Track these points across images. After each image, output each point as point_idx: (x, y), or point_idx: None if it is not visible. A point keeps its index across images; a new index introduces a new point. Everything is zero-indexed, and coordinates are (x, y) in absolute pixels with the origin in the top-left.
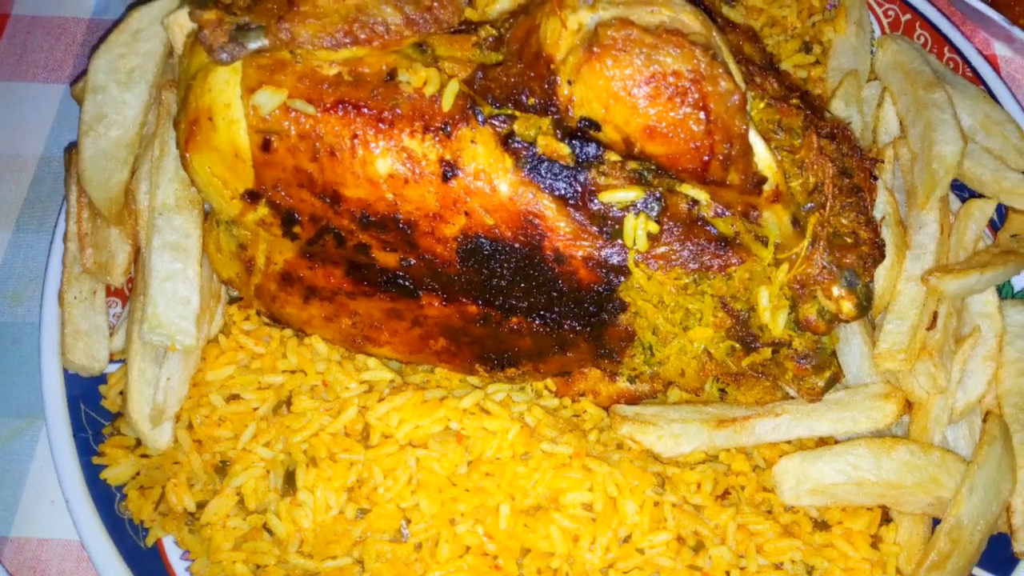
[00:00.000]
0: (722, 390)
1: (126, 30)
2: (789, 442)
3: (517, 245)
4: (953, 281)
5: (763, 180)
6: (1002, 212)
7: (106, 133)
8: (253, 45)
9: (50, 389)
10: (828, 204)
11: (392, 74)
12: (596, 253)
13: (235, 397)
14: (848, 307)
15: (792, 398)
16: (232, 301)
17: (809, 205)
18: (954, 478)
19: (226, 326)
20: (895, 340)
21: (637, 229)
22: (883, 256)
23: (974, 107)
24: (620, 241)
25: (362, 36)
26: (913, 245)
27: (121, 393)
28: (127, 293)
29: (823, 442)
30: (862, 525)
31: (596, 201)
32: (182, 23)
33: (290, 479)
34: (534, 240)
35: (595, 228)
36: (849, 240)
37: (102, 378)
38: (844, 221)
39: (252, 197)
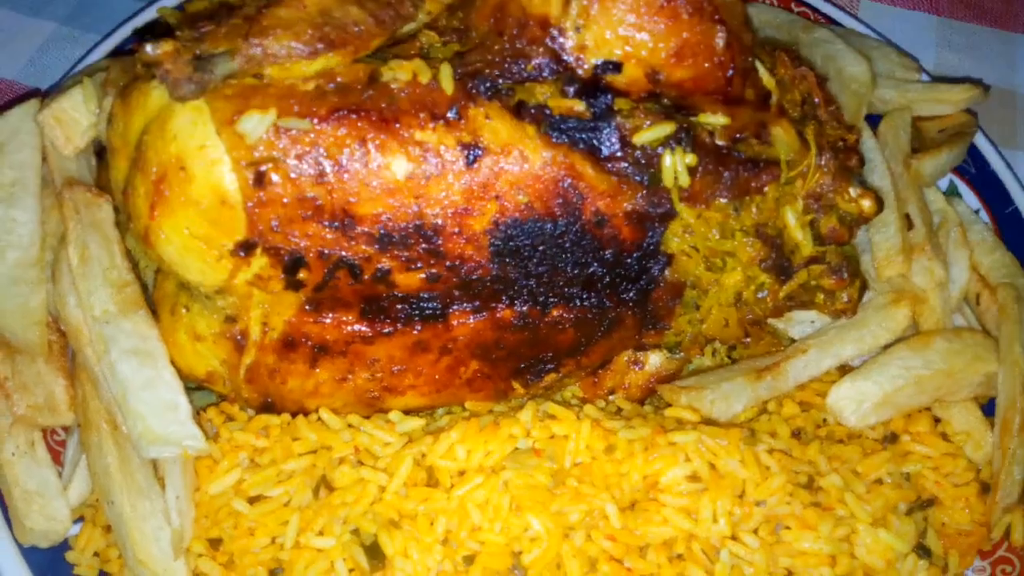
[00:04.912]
0: (730, 356)
1: None
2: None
3: (555, 219)
4: (929, 161)
5: (769, 94)
6: None
7: (3, 258)
8: (221, 71)
9: None
10: (821, 109)
11: (374, 76)
12: (638, 205)
13: (257, 498)
14: (868, 204)
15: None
16: (198, 411)
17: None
18: (991, 352)
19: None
20: (889, 245)
21: (676, 164)
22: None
23: (848, 42)
24: (660, 187)
25: (335, 38)
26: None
27: (95, 554)
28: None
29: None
30: (925, 427)
31: (629, 146)
32: (59, 116)
33: (374, 553)
34: (573, 206)
35: (635, 177)
36: (840, 145)
37: (64, 545)
38: (829, 131)
39: (245, 249)
